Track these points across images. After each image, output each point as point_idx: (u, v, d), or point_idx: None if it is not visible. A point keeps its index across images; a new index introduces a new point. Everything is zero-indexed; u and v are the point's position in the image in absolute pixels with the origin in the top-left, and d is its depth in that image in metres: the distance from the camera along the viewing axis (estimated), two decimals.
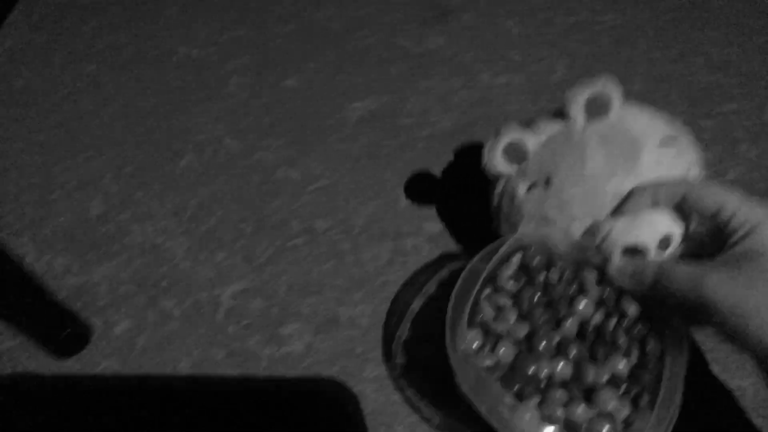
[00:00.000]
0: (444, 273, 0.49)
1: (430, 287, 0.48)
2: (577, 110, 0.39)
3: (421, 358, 0.45)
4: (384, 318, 0.49)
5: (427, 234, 0.54)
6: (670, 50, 0.70)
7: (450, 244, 0.53)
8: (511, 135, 0.40)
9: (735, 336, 0.30)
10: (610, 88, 0.38)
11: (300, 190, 0.58)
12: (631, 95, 0.40)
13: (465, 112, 0.64)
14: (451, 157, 0.60)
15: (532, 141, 0.40)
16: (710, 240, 0.35)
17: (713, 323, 0.31)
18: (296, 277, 0.52)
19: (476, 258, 0.38)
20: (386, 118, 0.64)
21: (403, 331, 0.47)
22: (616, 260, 0.37)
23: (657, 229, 0.36)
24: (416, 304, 0.48)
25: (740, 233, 0.32)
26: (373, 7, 0.77)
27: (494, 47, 0.71)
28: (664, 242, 0.37)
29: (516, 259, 0.39)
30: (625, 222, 0.37)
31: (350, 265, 0.53)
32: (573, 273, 0.38)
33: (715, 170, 0.56)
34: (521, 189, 0.40)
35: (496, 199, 0.43)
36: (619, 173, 0.37)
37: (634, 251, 0.37)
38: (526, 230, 0.39)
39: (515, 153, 0.40)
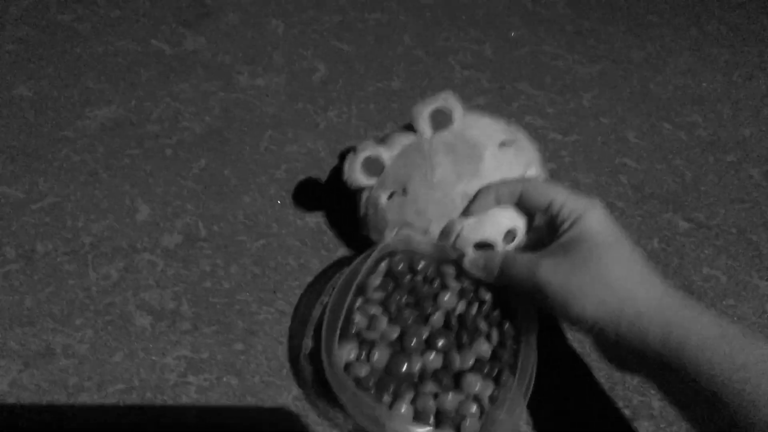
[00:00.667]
0: (336, 280, 0.49)
1: (326, 296, 0.49)
2: (423, 124, 0.43)
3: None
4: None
5: (164, 248, 0.51)
6: (430, 47, 0.72)
7: (187, 259, 0.51)
8: (367, 151, 0.44)
9: (563, 314, 0.35)
10: (450, 101, 0.43)
11: (20, 211, 0.53)
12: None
13: (220, 116, 0.62)
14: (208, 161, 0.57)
15: (386, 154, 0.44)
16: (548, 231, 0.39)
17: (546, 304, 0.36)
18: (6, 308, 0.47)
19: (346, 272, 0.41)
20: (131, 125, 0.60)
21: (307, 344, 0.46)
22: (469, 255, 0.41)
23: (501, 225, 0.41)
24: (315, 314, 0.48)
25: (567, 224, 0.36)
26: (128, 7, 0.72)
27: (257, 47, 0.69)
28: (509, 236, 0.42)
29: (383, 267, 0.44)
30: (473, 221, 0.41)
31: (72, 288, 0.48)
32: (435, 270, 0.43)
33: None
34: (382, 198, 0.44)
35: (362, 210, 0.46)
36: (465, 177, 0.42)
37: (484, 246, 0.42)
38: (389, 237, 0.44)
39: (373, 166, 0.44)
